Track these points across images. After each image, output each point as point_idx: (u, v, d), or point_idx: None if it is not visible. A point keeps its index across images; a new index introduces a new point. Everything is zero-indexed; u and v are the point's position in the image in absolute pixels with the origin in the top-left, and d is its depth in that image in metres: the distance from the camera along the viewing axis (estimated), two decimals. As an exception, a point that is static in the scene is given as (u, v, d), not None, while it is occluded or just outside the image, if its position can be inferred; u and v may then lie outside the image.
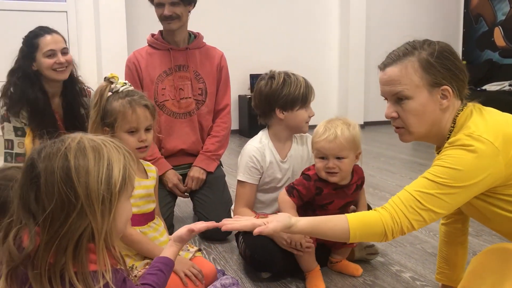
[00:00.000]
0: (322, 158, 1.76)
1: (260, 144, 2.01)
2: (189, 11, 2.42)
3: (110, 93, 1.66)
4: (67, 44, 2.38)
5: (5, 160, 2.32)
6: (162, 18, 2.36)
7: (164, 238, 1.73)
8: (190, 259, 1.70)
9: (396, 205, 1.26)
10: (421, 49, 1.34)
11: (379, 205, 1.30)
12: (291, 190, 1.81)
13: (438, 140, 1.41)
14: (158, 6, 2.34)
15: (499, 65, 5.90)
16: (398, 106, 1.36)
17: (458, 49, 6.46)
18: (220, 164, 2.59)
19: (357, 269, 1.93)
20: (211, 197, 2.40)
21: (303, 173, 1.88)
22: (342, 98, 6.12)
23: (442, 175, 1.24)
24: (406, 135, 1.40)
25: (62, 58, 2.26)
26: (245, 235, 1.96)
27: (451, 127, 1.35)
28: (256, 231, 1.22)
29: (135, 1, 4.91)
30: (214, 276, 1.72)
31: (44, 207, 0.88)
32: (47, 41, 2.25)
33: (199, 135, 2.52)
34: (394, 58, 1.36)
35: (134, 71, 2.41)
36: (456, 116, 1.35)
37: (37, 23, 2.38)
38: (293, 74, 1.99)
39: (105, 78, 1.69)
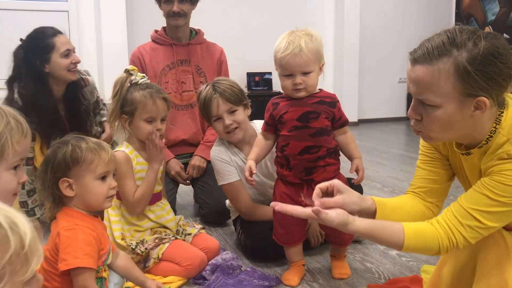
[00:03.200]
0: (288, 75, 1.65)
1: (217, 147, 2.06)
2: (192, 10, 2.57)
3: (129, 84, 1.80)
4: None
5: None
6: (170, 14, 2.49)
7: (170, 216, 1.88)
8: (195, 235, 1.85)
9: (452, 224, 1.18)
10: (461, 49, 1.09)
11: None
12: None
13: (468, 141, 1.25)
14: (167, 2, 2.48)
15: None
16: (423, 109, 1.19)
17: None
18: (220, 154, 2.73)
19: (343, 273, 1.82)
20: (212, 184, 2.51)
21: None
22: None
23: (507, 193, 1.13)
24: (427, 139, 1.28)
25: (77, 57, 2.23)
26: (242, 225, 2.05)
27: (493, 128, 1.18)
28: (314, 210, 1.17)
29: (136, 0, 5.05)
30: (217, 250, 1.88)
31: None
32: (63, 41, 2.18)
33: (200, 126, 2.66)
34: (426, 56, 1.13)
35: (138, 65, 2.54)
36: (500, 115, 1.18)
37: (38, 23, 2.22)
38: (207, 86, 1.98)
39: (125, 70, 1.84)
